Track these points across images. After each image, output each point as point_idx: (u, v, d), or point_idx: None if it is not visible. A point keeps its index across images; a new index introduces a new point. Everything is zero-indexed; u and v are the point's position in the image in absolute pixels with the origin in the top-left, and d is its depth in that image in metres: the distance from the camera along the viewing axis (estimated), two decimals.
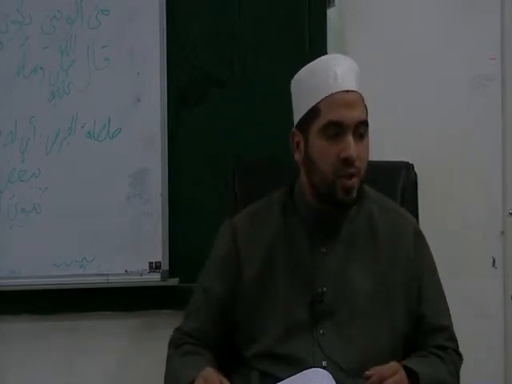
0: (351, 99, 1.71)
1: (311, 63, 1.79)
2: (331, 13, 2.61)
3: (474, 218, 2.72)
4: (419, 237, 1.85)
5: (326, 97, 1.71)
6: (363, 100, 1.73)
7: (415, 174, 2.12)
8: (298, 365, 1.69)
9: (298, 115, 1.79)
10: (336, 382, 1.61)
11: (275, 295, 1.76)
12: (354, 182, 1.70)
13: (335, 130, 1.70)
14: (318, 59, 1.78)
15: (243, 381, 1.78)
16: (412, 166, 2.13)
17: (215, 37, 2.55)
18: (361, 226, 1.81)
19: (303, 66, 2.52)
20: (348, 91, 1.71)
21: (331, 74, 1.72)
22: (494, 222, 2.73)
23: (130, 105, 2.49)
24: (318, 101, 1.72)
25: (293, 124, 2.51)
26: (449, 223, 2.63)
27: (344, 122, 1.69)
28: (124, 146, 2.48)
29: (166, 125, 2.50)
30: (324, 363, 1.71)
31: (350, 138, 1.69)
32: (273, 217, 1.82)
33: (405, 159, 2.13)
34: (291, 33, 2.55)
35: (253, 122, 2.53)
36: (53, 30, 2.48)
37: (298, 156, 1.79)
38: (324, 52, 2.56)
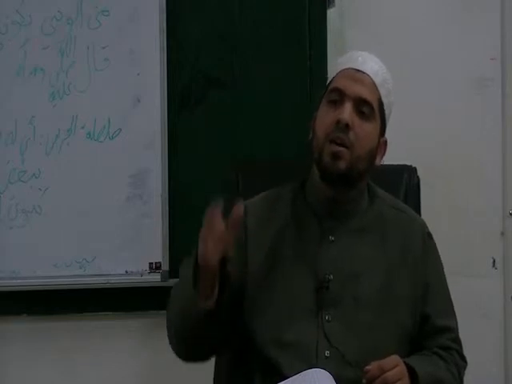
0: (359, 77, 1.74)
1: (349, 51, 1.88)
2: (331, 13, 2.61)
3: (474, 218, 2.72)
4: (428, 238, 1.86)
5: (339, 71, 1.77)
6: (376, 91, 1.75)
7: (418, 177, 2.13)
8: (301, 350, 1.71)
9: None
10: (338, 371, 1.63)
11: (282, 280, 1.76)
12: (343, 151, 1.70)
13: (336, 96, 1.74)
14: (356, 50, 1.84)
15: (244, 373, 1.79)
16: (415, 169, 2.14)
17: (215, 37, 2.55)
18: (371, 222, 1.81)
19: (303, 66, 2.56)
20: (359, 71, 1.75)
21: (354, 58, 1.78)
22: (494, 223, 2.74)
23: (130, 105, 2.49)
24: (333, 76, 1.79)
25: (292, 125, 2.51)
26: (449, 223, 2.64)
27: (344, 90, 1.73)
28: (124, 146, 2.48)
29: (166, 125, 2.50)
30: (327, 353, 1.71)
31: (348, 105, 1.72)
32: (283, 204, 1.83)
33: (404, 160, 2.13)
34: (291, 33, 2.55)
35: (253, 123, 2.53)
36: (53, 31, 2.48)
37: (310, 134, 1.80)
38: (324, 52, 2.57)
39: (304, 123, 2.50)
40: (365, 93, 1.73)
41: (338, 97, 1.73)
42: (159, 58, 2.49)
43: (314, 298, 1.74)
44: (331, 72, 1.82)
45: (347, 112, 1.71)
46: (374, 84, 1.75)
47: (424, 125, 2.65)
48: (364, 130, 1.73)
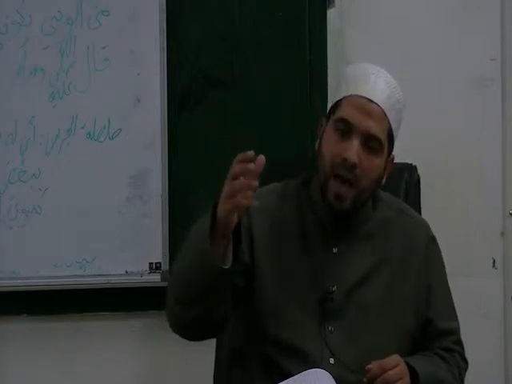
0: (370, 109, 1.71)
1: (361, 62, 1.82)
2: (331, 13, 2.61)
3: (474, 218, 2.72)
4: (432, 241, 1.86)
5: (350, 95, 1.73)
6: (385, 120, 1.73)
7: (418, 175, 2.13)
8: (305, 359, 1.70)
9: (330, 103, 1.81)
10: (341, 378, 1.63)
11: (286, 286, 1.75)
12: (347, 191, 1.70)
13: (344, 126, 1.71)
14: (367, 63, 1.80)
15: (244, 373, 1.79)
16: (415, 167, 2.13)
17: (215, 37, 2.55)
18: (375, 226, 1.81)
19: (303, 66, 2.56)
20: (372, 101, 1.71)
21: (366, 78, 1.74)
22: (494, 223, 2.74)
23: (130, 105, 2.49)
24: (343, 96, 1.75)
25: (292, 125, 2.51)
26: (449, 223, 2.63)
27: (353, 123, 1.70)
28: (124, 146, 2.48)
29: (166, 125, 2.50)
30: (331, 360, 1.72)
31: (355, 143, 1.69)
32: (289, 203, 1.82)
33: (404, 160, 2.13)
34: (291, 33, 2.55)
35: (253, 123, 2.53)
36: (53, 31, 2.48)
37: (316, 143, 1.79)
38: (324, 52, 2.56)
39: (304, 123, 2.51)
40: (374, 128, 1.70)
41: (346, 128, 1.71)
42: (159, 58, 2.49)
43: (317, 309, 1.74)
44: (336, 77, 1.81)
45: (354, 150, 1.68)
46: (383, 113, 1.72)
47: (424, 125, 2.64)
48: (371, 164, 1.72)
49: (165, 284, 2.45)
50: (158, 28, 2.49)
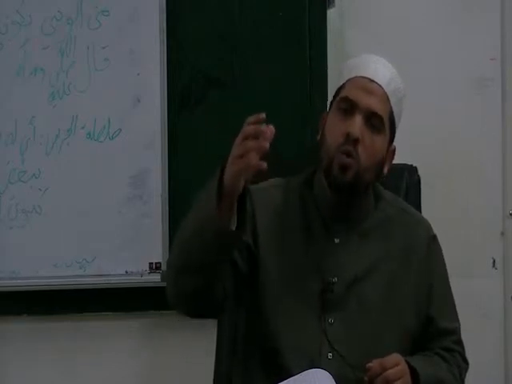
0: (371, 88, 1.73)
1: (362, 54, 1.85)
2: (331, 13, 2.61)
3: (474, 218, 2.72)
4: (433, 240, 1.86)
5: (352, 77, 1.76)
6: (387, 102, 1.75)
7: (418, 176, 2.13)
8: (304, 353, 1.71)
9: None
10: (339, 374, 1.64)
11: (288, 277, 1.76)
12: (352, 162, 1.70)
13: (347, 105, 1.73)
14: (368, 54, 1.83)
15: (244, 372, 1.80)
16: (415, 168, 2.14)
17: (215, 37, 2.55)
18: (376, 224, 1.82)
19: (303, 66, 2.56)
20: (373, 81, 1.74)
21: (366, 65, 1.77)
22: (494, 223, 2.74)
23: (130, 105, 2.49)
24: (344, 81, 1.77)
25: (292, 125, 2.50)
26: (449, 224, 2.63)
27: (356, 102, 1.72)
28: (124, 146, 2.48)
29: (166, 125, 2.50)
30: (330, 355, 1.72)
31: (358, 119, 1.71)
32: (291, 201, 1.82)
33: (404, 160, 2.13)
34: (291, 33, 2.55)
35: None
36: (53, 31, 2.48)
37: (318, 136, 1.80)
38: (324, 52, 2.56)
39: (304, 123, 2.51)
40: (376, 106, 1.72)
41: (349, 107, 1.73)
42: (159, 58, 2.49)
43: (318, 301, 1.74)
44: (339, 72, 1.81)
45: (357, 126, 1.70)
46: (385, 95, 1.74)
47: (424, 125, 2.65)
48: (373, 143, 1.73)
49: (165, 284, 2.45)
50: (158, 28, 2.49)
